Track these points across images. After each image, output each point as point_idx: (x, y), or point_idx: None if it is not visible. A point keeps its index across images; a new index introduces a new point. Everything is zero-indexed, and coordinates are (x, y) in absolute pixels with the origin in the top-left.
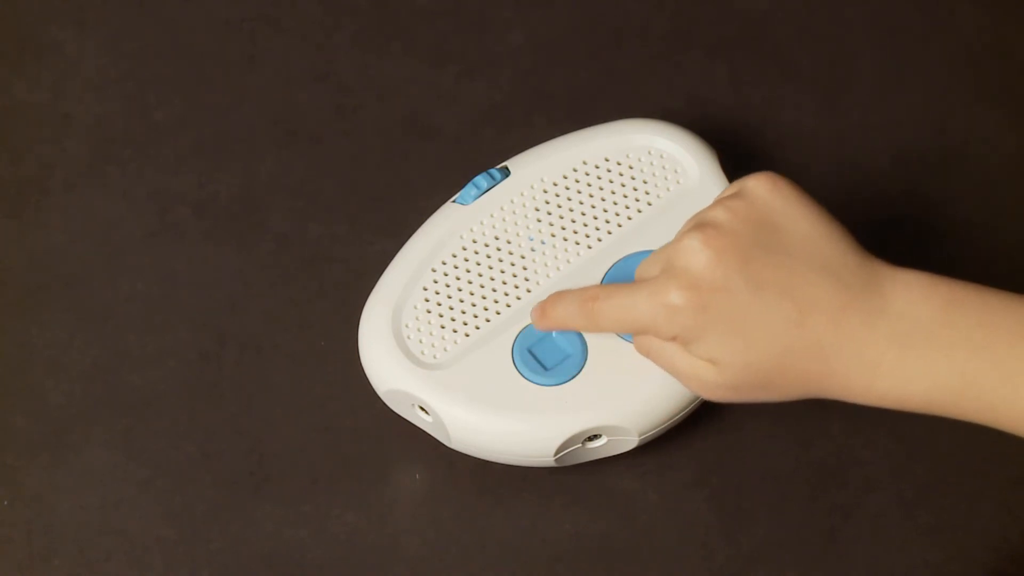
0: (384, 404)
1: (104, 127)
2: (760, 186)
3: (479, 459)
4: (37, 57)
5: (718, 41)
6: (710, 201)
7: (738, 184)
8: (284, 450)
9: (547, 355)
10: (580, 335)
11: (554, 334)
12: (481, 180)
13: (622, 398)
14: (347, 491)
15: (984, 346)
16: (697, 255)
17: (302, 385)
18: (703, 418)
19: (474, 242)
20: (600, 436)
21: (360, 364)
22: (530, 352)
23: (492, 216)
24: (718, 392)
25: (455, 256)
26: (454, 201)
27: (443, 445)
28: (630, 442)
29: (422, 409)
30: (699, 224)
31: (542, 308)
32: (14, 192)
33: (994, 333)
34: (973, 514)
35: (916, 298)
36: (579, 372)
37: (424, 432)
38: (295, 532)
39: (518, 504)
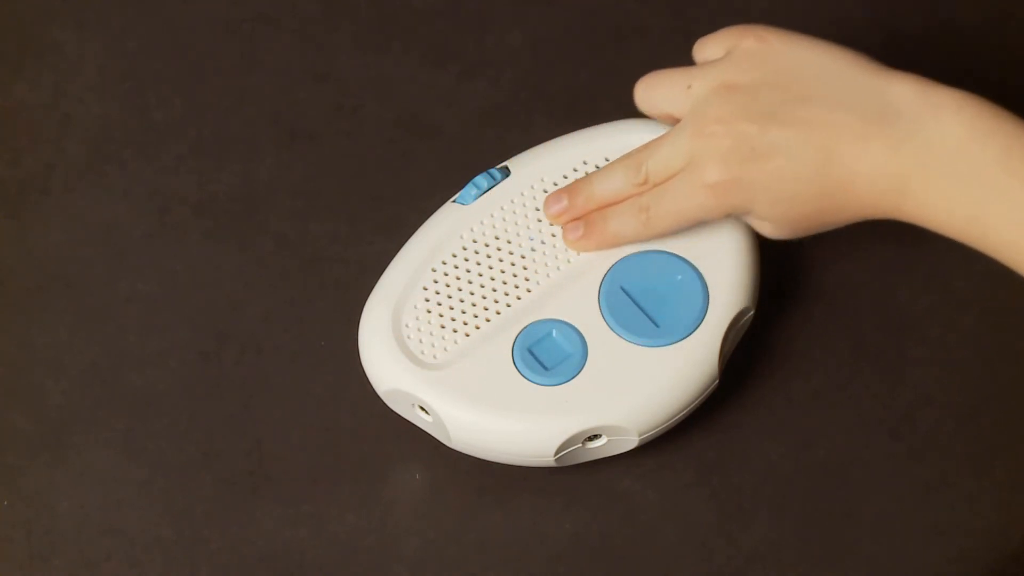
0: (384, 404)
1: (104, 127)
2: (753, 41)
3: (479, 459)
4: (37, 57)
5: None
6: None
7: (721, 44)
8: (284, 450)
9: (547, 355)
10: (580, 335)
11: (553, 333)
12: (481, 180)
13: (622, 398)
14: (347, 491)
15: (999, 184)
16: (720, 135)
17: (302, 385)
18: (703, 418)
19: (474, 242)
20: (600, 436)
21: (360, 364)
22: (530, 352)
23: (492, 216)
24: (780, 236)
25: (455, 256)
26: (454, 201)
27: (443, 445)
28: (630, 442)
29: (422, 409)
30: (713, 93)
31: (588, 229)
32: (14, 192)
33: (1012, 171)
34: (973, 514)
35: (945, 123)
36: (579, 372)
37: (424, 432)
38: (295, 532)
39: (518, 504)
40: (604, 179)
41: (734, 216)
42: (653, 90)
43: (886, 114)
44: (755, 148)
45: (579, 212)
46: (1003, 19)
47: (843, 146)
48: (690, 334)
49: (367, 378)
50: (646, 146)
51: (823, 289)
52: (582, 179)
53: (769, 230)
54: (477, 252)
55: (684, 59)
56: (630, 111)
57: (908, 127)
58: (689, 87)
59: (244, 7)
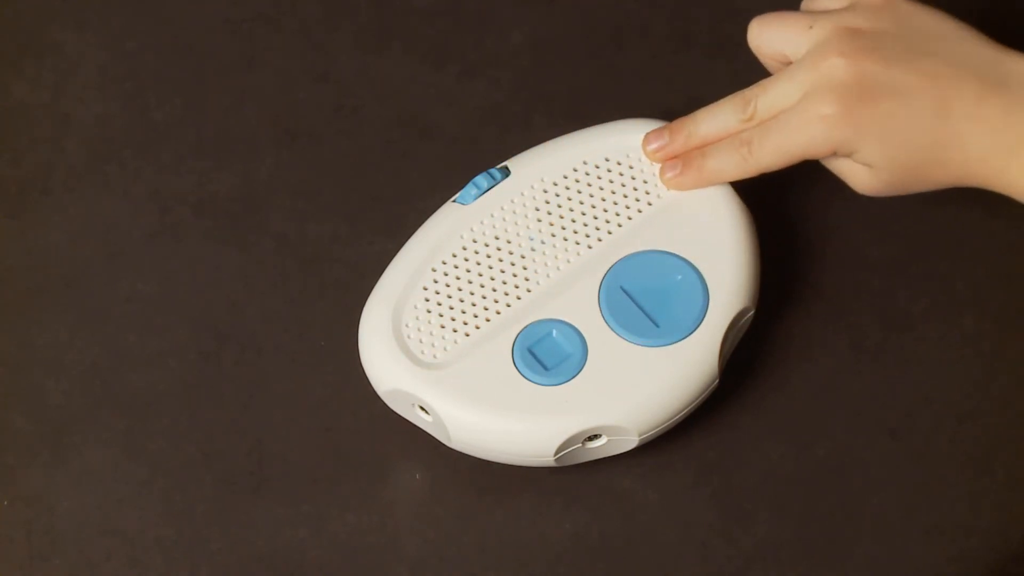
0: (384, 404)
1: (104, 127)
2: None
3: (479, 459)
4: (37, 57)
5: (718, 41)
6: (708, 200)
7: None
8: (284, 450)
9: (547, 355)
10: (580, 335)
11: (553, 333)
12: (481, 180)
13: (622, 398)
14: (347, 491)
15: None
16: (841, 68)
17: (302, 385)
18: (703, 418)
19: (474, 242)
20: (600, 436)
21: (360, 364)
22: (530, 352)
23: (492, 216)
24: (873, 190)
25: (455, 256)
26: (454, 201)
27: (443, 445)
28: (630, 442)
29: (422, 409)
30: (836, 33)
31: (686, 166)
32: (14, 192)
33: None
34: (973, 514)
35: None
36: (579, 372)
37: (424, 432)
38: (295, 532)
39: (518, 504)
40: (709, 115)
41: (838, 155)
42: (770, 28)
43: (1005, 82)
44: (875, 85)
45: (679, 150)
46: None
47: (960, 101)
48: (690, 334)
49: (367, 378)
50: (758, 83)
51: (823, 289)
52: (686, 116)
53: (867, 179)
54: (477, 252)
55: (684, 60)
56: (630, 111)
57: (1021, 94)
58: (811, 27)
59: (244, 7)
